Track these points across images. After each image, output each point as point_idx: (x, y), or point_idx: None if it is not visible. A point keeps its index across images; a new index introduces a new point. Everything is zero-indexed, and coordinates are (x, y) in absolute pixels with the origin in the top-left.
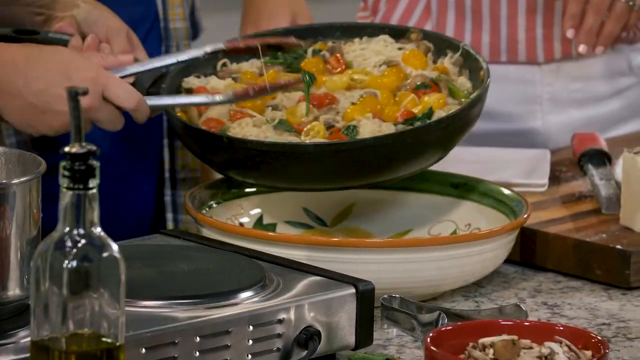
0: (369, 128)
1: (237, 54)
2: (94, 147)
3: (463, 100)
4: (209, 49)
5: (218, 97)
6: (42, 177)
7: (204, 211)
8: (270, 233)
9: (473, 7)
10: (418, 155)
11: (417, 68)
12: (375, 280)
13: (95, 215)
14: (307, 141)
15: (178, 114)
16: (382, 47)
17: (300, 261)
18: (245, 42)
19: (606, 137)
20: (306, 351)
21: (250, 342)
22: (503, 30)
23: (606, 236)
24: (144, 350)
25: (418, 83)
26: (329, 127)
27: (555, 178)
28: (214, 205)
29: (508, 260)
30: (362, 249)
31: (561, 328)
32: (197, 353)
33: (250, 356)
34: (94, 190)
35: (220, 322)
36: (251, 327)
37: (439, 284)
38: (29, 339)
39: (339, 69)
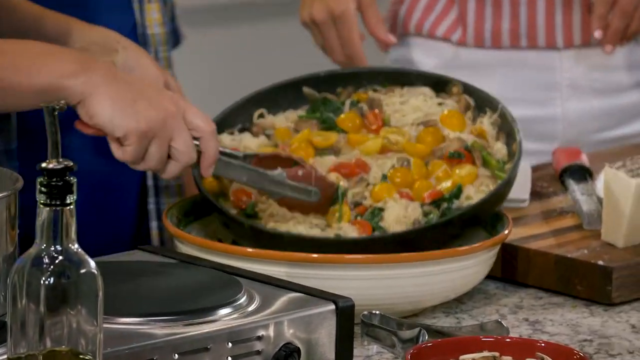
0: (394, 213)
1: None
2: (71, 163)
3: (496, 173)
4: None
5: (273, 174)
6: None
7: (182, 227)
8: (249, 250)
9: None
10: (440, 243)
11: (455, 130)
12: (355, 297)
13: (73, 231)
14: (330, 235)
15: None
16: (421, 103)
17: (279, 278)
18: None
19: (625, 131)
20: None
21: (229, 359)
22: (522, 16)
23: (588, 252)
24: None
25: (452, 151)
26: (356, 205)
27: (536, 194)
28: (193, 221)
29: (489, 277)
30: (341, 265)
31: (543, 344)
32: None
33: None
34: (72, 207)
35: (198, 339)
36: (230, 344)
37: (420, 300)
38: (5, 356)
39: (375, 126)
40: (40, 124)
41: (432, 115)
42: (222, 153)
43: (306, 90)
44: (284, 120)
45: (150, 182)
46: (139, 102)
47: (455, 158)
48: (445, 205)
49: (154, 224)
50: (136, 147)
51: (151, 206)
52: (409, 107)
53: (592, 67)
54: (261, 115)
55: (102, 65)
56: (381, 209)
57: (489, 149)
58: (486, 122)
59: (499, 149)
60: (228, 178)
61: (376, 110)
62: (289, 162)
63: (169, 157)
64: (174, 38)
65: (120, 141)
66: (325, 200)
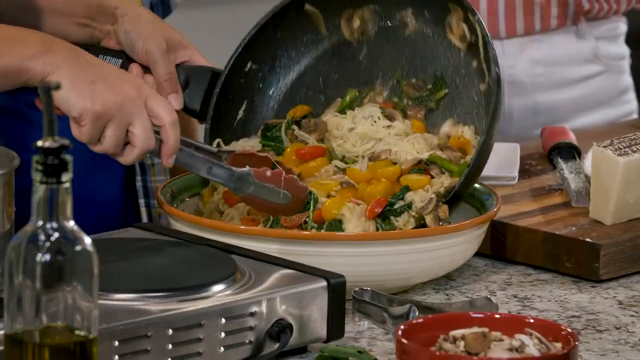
0: (353, 223)
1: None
2: (66, 142)
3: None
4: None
5: (239, 170)
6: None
7: (175, 204)
8: (242, 227)
9: None
10: None
11: (415, 150)
12: (347, 274)
13: (68, 208)
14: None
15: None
16: (368, 128)
17: (272, 254)
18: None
19: (570, 126)
20: (278, 344)
21: (223, 334)
22: None
23: (576, 229)
24: (117, 343)
25: (410, 173)
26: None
27: (525, 171)
28: (187, 198)
29: (478, 254)
30: (333, 242)
31: (531, 320)
32: (170, 345)
33: (222, 349)
34: (67, 184)
35: (192, 315)
36: (223, 320)
37: (410, 277)
38: (2, 332)
39: (315, 163)
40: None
41: (384, 145)
42: (194, 146)
43: (308, 8)
44: (242, 144)
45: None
46: (97, 83)
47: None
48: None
49: (141, 201)
50: (91, 127)
51: (138, 184)
52: (357, 136)
53: (535, 62)
54: (218, 145)
55: (64, 46)
56: (340, 221)
57: (450, 158)
58: (468, 132)
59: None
60: (190, 170)
61: (318, 144)
62: (266, 162)
63: (127, 142)
64: (164, 8)
65: (76, 121)
66: (296, 203)
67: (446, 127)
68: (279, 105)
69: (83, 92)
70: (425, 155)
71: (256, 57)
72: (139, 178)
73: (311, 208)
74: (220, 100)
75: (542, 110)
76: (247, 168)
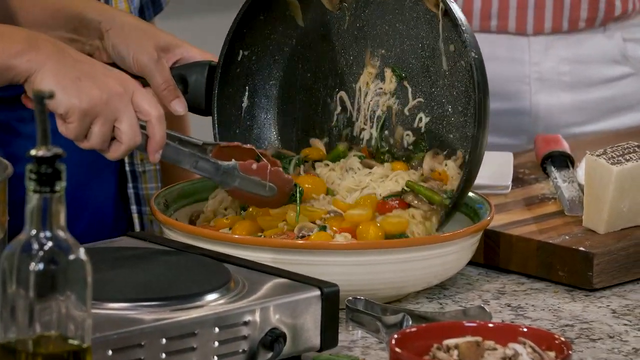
0: None
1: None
2: (60, 150)
3: (443, 201)
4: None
5: (224, 163)
6: None
7: (169, 214)
8: (236, 236)
9: None
10: None
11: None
12: (340, 283)
13: (62, 217)
14: None
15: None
16: (350, 181)
17: (265, 263)
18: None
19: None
20: (271, 353)
21: (216, 343)
22: None
23: (569, 238)
24: (110, 352)
25: (384, 196)
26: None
27: (518, 180)
28: (180, 207)
29: (472, 262)
30: (326, 251)
31: (525, 329)
32: (164, 355)
33: (216, 358)
34: (61, 193)
35: (186, 324)
36: (217, 329)
37: (403, 286)
38: None
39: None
40: None
41: (369, 190)
42: (179, 139)
43: None
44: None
45: (127, 167)
46: (83, 80)
47: (387, 201)
48: None
49: (133, 208)
50: (78, 124)
51: (130, 191)
52: (345, 189)
53: (562, 59)
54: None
55: (49, 42)
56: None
57: (441, 185)
58: (451, 166)
59: (451, 167)
60: (176, 164)
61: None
62: (251, 154)
63: (114, 138)
64: (155, 6)
65: (63, 118)
66: (282, 196)
67: (428, 161)
68: (280, 84)
69: (69, 89)
70: (400, 186)
71: (245, 44)
72: (130, 185)
73: (297, 200)
74: (221, 95)
75: (569, 110)
76: (232, 161)
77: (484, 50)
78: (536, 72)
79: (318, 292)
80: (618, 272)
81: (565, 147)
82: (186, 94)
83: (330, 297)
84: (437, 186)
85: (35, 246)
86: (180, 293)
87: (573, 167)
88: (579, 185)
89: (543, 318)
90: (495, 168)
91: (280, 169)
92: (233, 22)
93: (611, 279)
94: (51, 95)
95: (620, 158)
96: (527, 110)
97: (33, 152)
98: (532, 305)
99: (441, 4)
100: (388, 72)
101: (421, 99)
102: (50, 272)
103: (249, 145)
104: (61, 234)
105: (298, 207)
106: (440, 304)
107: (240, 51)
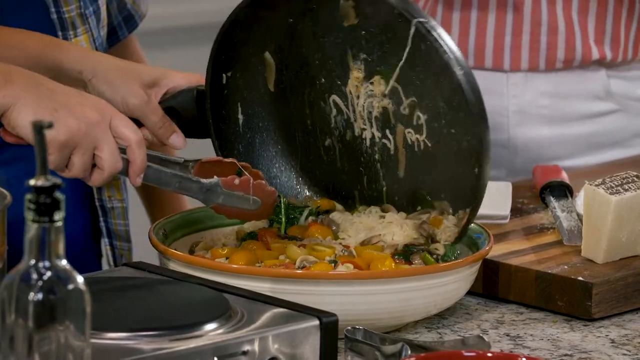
0: None
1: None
2: (59, 181)
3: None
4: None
5: (207, 181)
6: None
7: (167, 244)
8: (234, 266)
9: (444, 8)
10: None
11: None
12: (339, 312)
13: (61, 247)
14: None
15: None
16: (365, 220)
17: (264, 293)
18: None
19: (577, 163)
20: None
21: None
22: (471, 36)
23: (568, 268)
24: None
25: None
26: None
27: (517, 210)
28: (178, 237)
29: (471, 292)
30: (325, 281)
31: (524, 359)
32: None
33: None
34: (60, 223)
35: (185, 354)
36: (216, 359)
37: (402, 316)
38: None
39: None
40: None
41: (375, 231)
42: (159, 159)
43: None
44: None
45: (97, 202)
46: (59, 111)
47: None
48: None
49: (105, 241)
50: (57, 156)
51: (102, 224)
52: (354, 227)
53: (541, 93)
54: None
55: (23, 75)
56: None
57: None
58: (451, 220)
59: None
60: (159, 186)
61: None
62: (233, 168)
63: (95, 165)
64: (129, 25)
65: None
66: (266, 207)
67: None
68: (270, 92)
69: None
70: (401, 242)
71: (226, 66)
72: (101, 219)
73: (282, 211)
74: (216, 119)
75: (548, 144)
76: (215, 178)
77: None
78: (514, 105)
79: (317, 322)
80: (617, 302)
81: (564, 177)
82: (180, 123)
83: (329, 327)
84: (429, 230)
85: (35, 276)
86: (179, 323)
87: (572, 197)
88: (578, 215)
89: (542, 348)
90: (494, 198)
91: (263, 181)
92: (211, 53)
93: (610, 309)
94: (50, 125)
95: (619, 188)
96: (505, 143)
97: (32, 181)
98: (531, 335)
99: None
100: (376, 76)
101: (414, 98)
102: (49, 302)
103: (230, 159)
104: (60, 263)
105: (283, 219)
106: (439, 333)
107: (223, 75)
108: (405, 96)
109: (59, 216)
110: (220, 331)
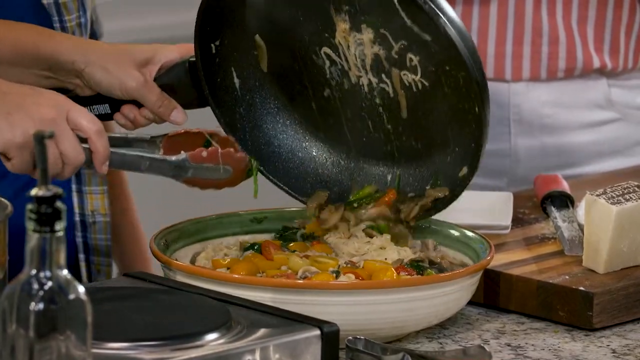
0: None
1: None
2: (60, 191)
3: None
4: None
5: (174, 158)
6: None
7: (168, 254)
8: (235, 275)
9: None
10: None
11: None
12: (340, 322)
13: (62, 257)
14: None
15: None
16: (354, 247)
17: (265, 303)
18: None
19: (579, 171)
20: None
21: None
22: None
23: (569, 278)
24: None
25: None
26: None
27: (518, 220)
28: (179, 247)
29: (472, 302)
30: (326, 291)
31: None
32: None
33: None
34: (61, 233)
35: None
36: None
37: (403, 326)
38: None
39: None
40: None
41: (368, 257)
42: (124, 140)
43: None
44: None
45: (77, 217)
46: (14, 113)
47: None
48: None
49: (81, 257)
50: (19, 159)
51: (78, 240)
52: (347, 255)
53: (542, 102)
54: None
55: None
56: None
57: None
58: (449, 253)
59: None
60: (127, 170)
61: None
62: (201, 138)
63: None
64: (92, 31)
65: (4, 155)
66: (237, 173)
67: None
68: (266, 48)
69: (2, 126)
70: (405, 258)
71: (214, 36)
72: (79, 234)
73: (253, 174)
74: (212, 88)
75: (551, 153)
76: (182, 154)
77: None
78: (516, 114)
79: (318, 332)
80: (618, 312)
81: (565, 187)
82: (177, 97)
83: (330, 337)
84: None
85: (35, 286)
86: (181, 333)
87: (573, 207)
88: (579, 225)
89: (543, 358)
90: (495, 208)
91: (232, 149)
92: (195, 28)
93: (611, 319)
94: (51, 135)
95: (620, 198)
96: (506, 152)
97: (33, 191)
98: (532, 345)
99: None
100: (362, 24)
101: (404, 41)
102: (50, 312)
103: (197, 129)
104: (61, 273)
105: (255, 184)
106: (440, 343)
107: (212, 45)
108: (394, 41)
109: (60, 226)
110: (221, 341)
